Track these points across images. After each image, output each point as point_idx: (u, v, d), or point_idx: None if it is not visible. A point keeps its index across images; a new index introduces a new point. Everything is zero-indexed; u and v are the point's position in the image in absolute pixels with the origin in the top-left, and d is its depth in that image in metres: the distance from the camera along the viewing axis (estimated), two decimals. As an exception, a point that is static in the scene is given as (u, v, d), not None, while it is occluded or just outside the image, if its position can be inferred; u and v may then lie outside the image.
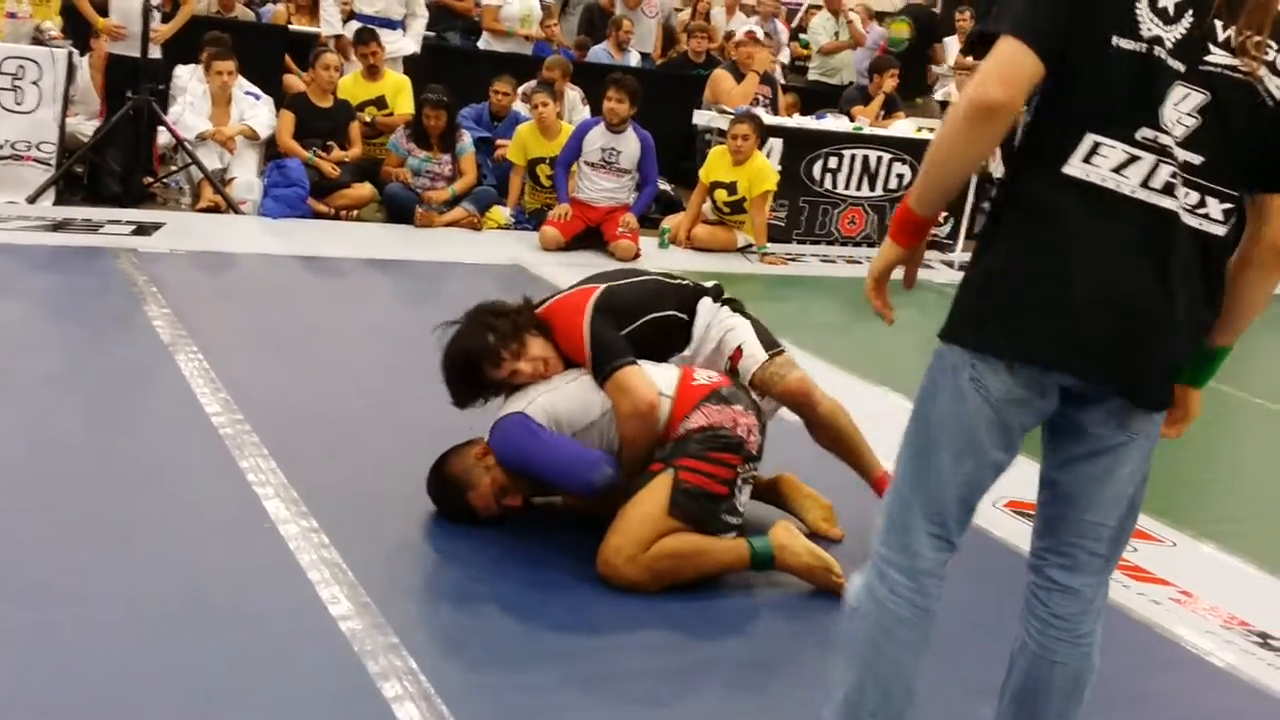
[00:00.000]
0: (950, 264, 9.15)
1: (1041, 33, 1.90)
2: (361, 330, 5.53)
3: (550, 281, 6.65)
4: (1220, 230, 2.00)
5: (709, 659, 3.01)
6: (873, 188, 9.16)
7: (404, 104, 8.50)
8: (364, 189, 7.93)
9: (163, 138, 7.67)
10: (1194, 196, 1.97)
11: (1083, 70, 1.93)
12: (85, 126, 7.64)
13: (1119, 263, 1.96)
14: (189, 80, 7.96)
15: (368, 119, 8.38)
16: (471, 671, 2.78)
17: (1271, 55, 1.95)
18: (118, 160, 7.35)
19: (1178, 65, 1.92)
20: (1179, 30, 1.92)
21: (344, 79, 8.37)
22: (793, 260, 8.36)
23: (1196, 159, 1.95)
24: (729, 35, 12.80)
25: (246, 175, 7.69)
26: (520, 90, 9.19)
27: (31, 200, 6.95)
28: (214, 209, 7.43)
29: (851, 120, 9.67)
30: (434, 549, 3.41)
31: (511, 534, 3.47)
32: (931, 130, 9.31)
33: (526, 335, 3.48)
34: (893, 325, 2.20)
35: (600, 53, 11.22)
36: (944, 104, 11.21)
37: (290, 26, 9.88)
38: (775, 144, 8.75)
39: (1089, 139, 1.95)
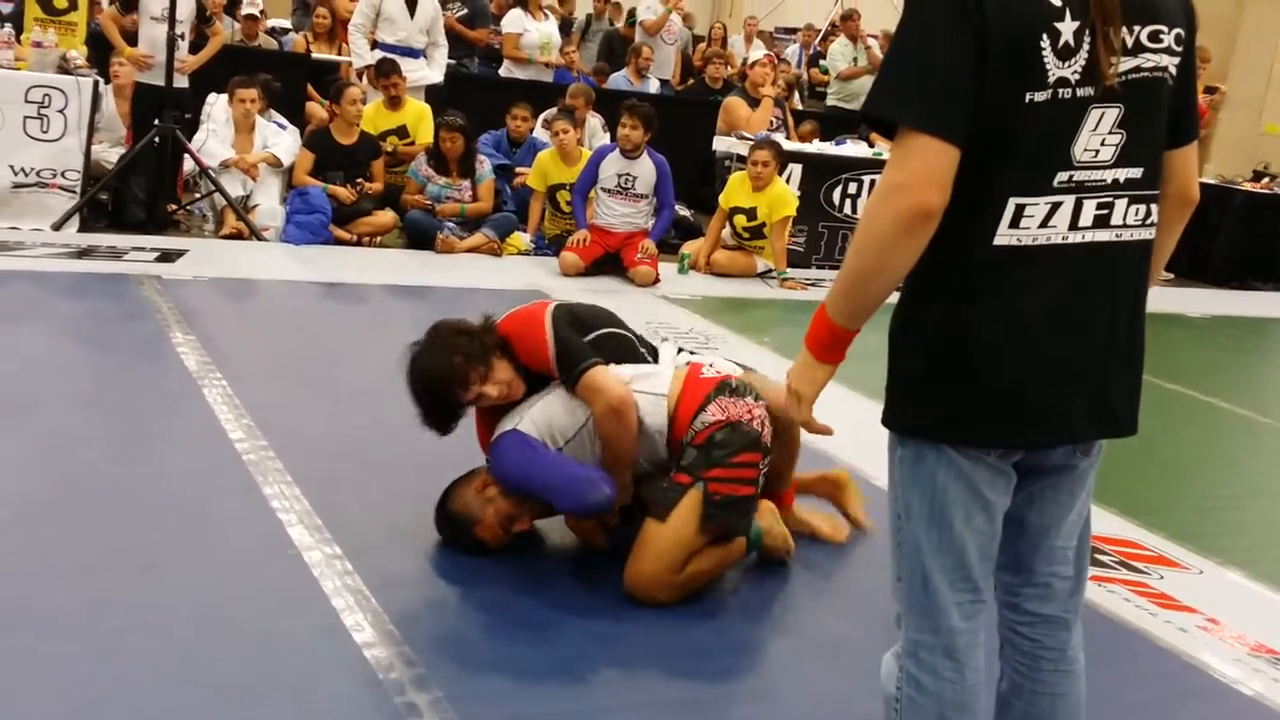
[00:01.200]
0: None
1: (957, 125, 1.80)
2: (384, 357, 5.47)
3: (571, 307, 6.67)
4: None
5: (735, 689, 3.00)
6: (892, 213, 9.15)
7: (425, 133, 8.55)
8: (386, 216, 7.98)
9: (188, 165, 7.74)
10: (1141, 210, 1.94)
11: (996, 137, 1.84)
12: (109, 154, 7.70)
13: (1076, 320, 1.92)
14: (214, 108, 8.04)
15: (389, 149, 8.43)
16: (496, 702, 2.76)
17: (1166, 40, 1.91)
18: (142, 188, 7.42)
19: (1087, 92, 1.85)
20: (1081, 59, 1.84)
21: (366, 108, 8.42)
22: (812, 285, 8.35)
23: (1136, 172, 1.92)
24: (750, 65, 12.89)
25: (269, 202, 7.75)
26: (541, 117, 9.25)
27: (56, 227, 7.01)
28: (237, 236, 7.49)
29: (871, 146, 9.68)
30: (457, 576, 3.39)
31: (533, 559, 3.48)
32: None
33: (493, 357, 3.40)
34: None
35: (620, 79, 11.29)
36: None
37: (312, 55, 9.97)
38: (795, 169, 8.77)
39: (1011, 204, 1.87)
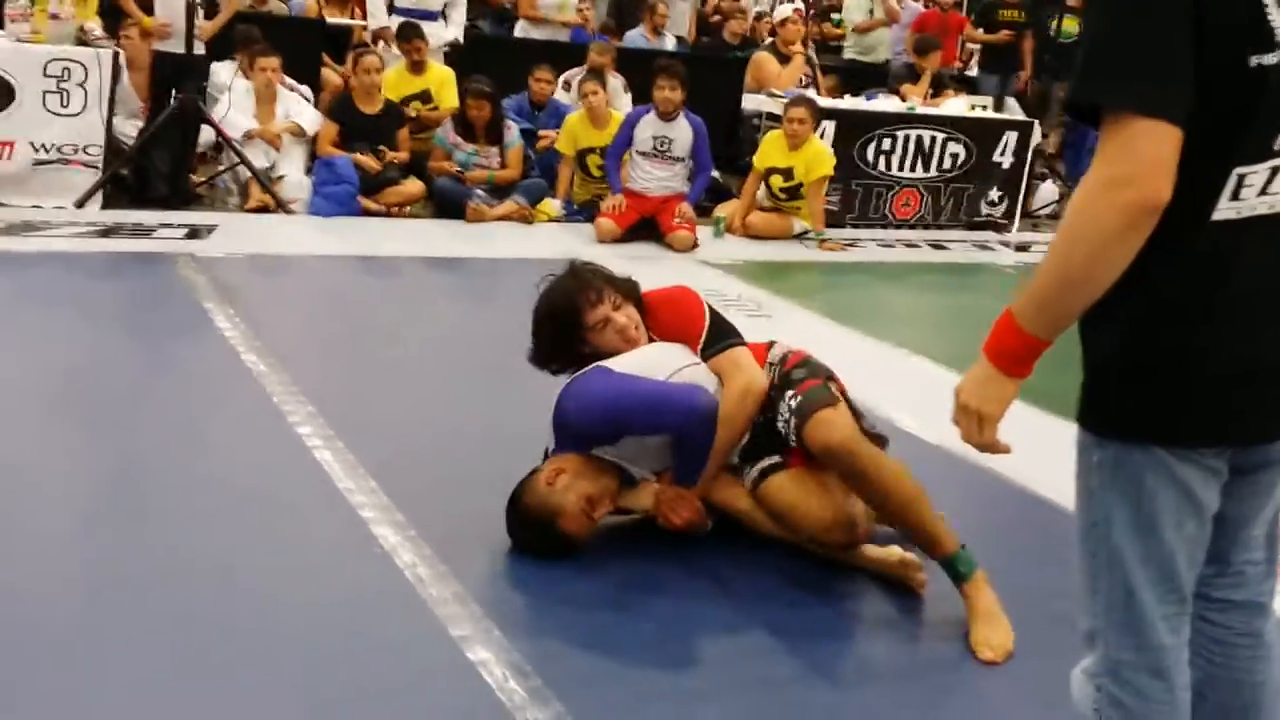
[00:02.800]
0: (1008, 244, 8.96)
1: (1181, 105, 1.63)
2: (429, 332, 5.37)
3: (613, 276, 6.49)
4: None
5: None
6: (926, 169, 8.97)
7: (449, 97, 8.33)
8: (414, 185, 7.78)
9: (203, 136, 7.51)
10: None
11: (1218, 107, 1.66)
12: (127, 127, 7.48)
13: None
14: (230, 78, 7.80)
15: (413, 114, 8.21)
16: (613, 709, 2.60)
17: None
18: (164, 161, 7.20)
19: None
20: None
21: (388, 73, 8.20)
22: (851, 246, 8.17)
23: None
24: (759, 16, 12.60)
25: (295, 174, 7.54)
26: (562, 78, 9.02)
27: (79, 205, 6.80)
28: (263, 209, 7.28)
29: (903, 100, 9.46)
30: (558, 574, 3.15)
31: (625, 552, 3.29)
32: (984, 108, 9.12)
33: (629, 300, 3.38)
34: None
35: (636, 38, 11.02)
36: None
37: (326, 20, 9.73)
38: (828, 126, 8.54)
39: (1234, 175, 1.70)
